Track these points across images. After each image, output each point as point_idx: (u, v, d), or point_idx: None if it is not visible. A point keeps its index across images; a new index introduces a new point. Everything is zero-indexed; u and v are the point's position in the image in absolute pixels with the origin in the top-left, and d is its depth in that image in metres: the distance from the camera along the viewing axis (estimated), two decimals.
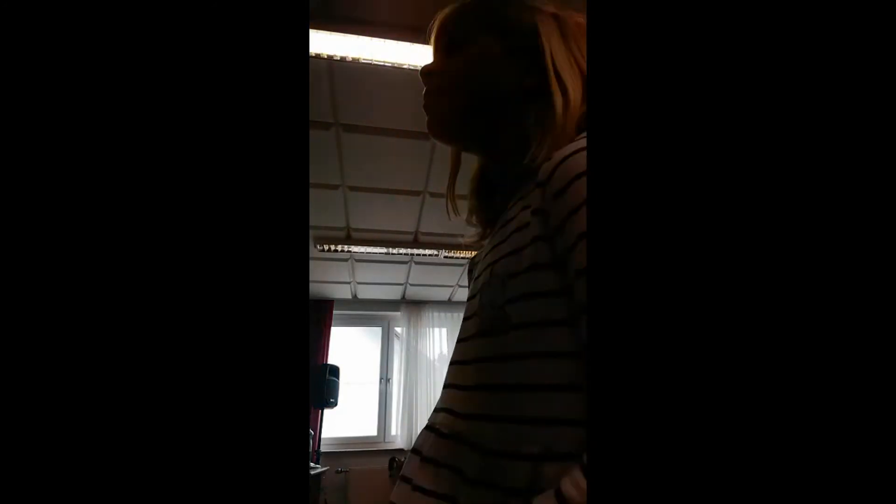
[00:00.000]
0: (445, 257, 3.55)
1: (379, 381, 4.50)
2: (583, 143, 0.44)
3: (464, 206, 0.64)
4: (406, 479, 0.50)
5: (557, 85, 0.51)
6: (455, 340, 0.55)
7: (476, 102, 0.56)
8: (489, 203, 0.63)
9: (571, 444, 0.39)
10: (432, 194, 2.84)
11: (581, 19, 0.57)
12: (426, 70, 0.59)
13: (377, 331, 4.70)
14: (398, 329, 4.64)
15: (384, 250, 3.43)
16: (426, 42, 0.62)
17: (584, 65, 0.54)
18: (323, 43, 1.75)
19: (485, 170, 0.64)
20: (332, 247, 3.32)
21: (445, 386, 0.53)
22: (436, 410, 0.54)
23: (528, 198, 0.48)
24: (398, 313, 4.58)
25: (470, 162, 0.65)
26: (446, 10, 0.60)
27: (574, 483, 0.36)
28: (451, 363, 0.54)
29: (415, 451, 0.52)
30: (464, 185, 0.65)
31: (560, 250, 0.43)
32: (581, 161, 0.42)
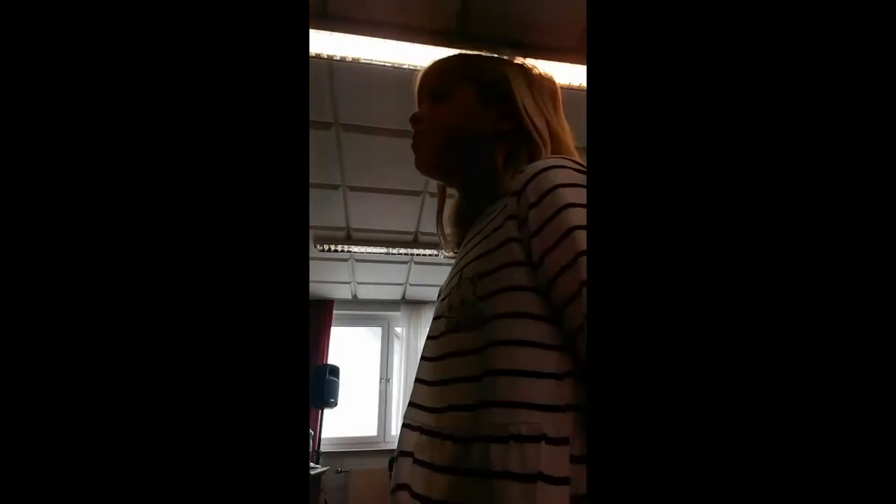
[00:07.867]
0: (445, 257, 3.55)
1: (379, 381, 4.50)
2: (551, 161, 0.51)
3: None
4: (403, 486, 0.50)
5: (532, 127, 0.60)
6: None
7: (457, 144, 0.64)
8: (464, 231, 0.69)
9: (529, 427, 0.42)
10: (432, 194, 2.84)
11: (540, 71, 0.68)
12: (415, 117, 0.67)
13: (377, 331, 4.69)
14: (398, 329, 4.63)
15: (384, 250, 3.43)
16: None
17: (545, 109, 0.64)
18: (323, 43, 1.74)
19: (461, 203, 0.71)
20: (332, 247, 3.31)
21: (416, 381, 0.56)
22: (409, 405, 0.56)
23: (501, 209, 0.54)
24: (398, 313, 4.57)
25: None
26: (429, 65, 0.70)
27: None
28: (422, 359, 0.56)
29: (403, 453, 0.52)
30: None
31: (538, 251, 0.47)
32: (552, 177, 0.49)
